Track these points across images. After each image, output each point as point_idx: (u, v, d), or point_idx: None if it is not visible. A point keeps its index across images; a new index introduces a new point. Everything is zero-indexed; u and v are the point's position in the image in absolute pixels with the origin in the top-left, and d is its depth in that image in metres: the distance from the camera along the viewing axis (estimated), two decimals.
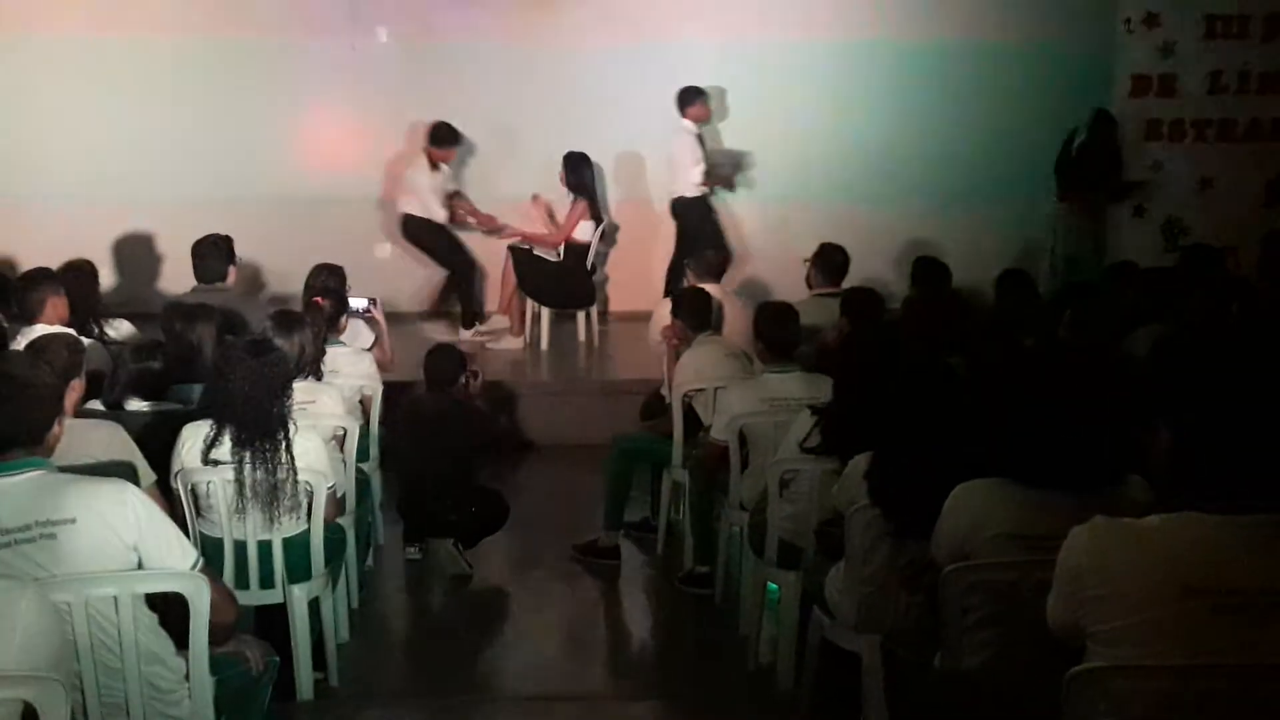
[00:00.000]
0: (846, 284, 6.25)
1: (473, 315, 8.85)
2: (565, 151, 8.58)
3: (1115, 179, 8.99)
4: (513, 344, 8.59)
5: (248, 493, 3.91)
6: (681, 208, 8.97)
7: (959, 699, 2.89)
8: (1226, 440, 2.18)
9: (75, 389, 3.83)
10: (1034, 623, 2.45)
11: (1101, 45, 9.44)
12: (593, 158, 8.68)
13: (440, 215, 8.74)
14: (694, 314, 5.80)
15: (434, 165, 8.71)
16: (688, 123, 8.90)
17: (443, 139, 8.71)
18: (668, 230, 9.08)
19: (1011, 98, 9.27)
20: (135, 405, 4.25)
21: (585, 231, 8.52)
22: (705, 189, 8.97)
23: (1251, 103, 9.55)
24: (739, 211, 9.40)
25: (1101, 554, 2.24)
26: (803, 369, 4.91)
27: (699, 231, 8.77)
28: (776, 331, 5.00)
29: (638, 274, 9.36)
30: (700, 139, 8.95)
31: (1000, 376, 3.20)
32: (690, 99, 8.88)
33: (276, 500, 3.93)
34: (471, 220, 8.97)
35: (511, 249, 8.57)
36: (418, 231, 8.78)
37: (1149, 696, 2.19)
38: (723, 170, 9.23)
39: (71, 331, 4.97)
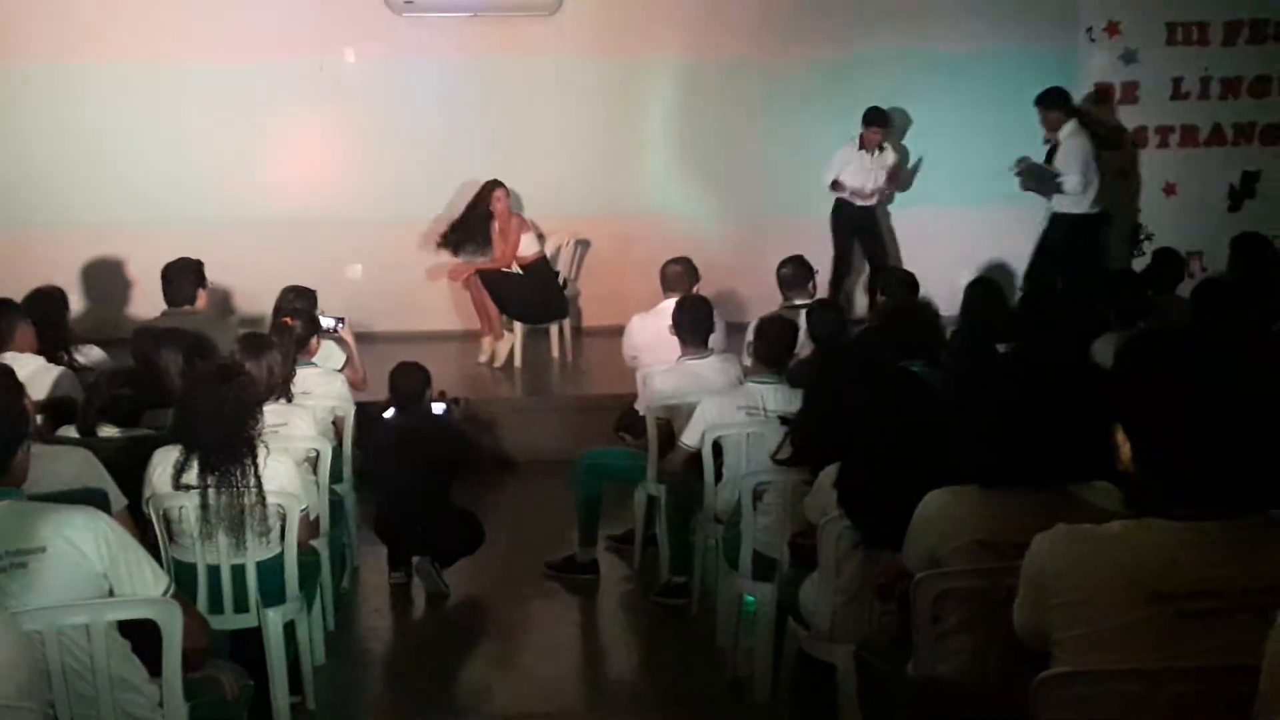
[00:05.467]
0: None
1: None
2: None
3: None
4: (503, 345, 8.54)
5: (212, 517, 3.89)
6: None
7: (932, 706, 2.90)
8: (1188, 446, 2.19)
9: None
10: (1004, 629, 2.45)
11: (1064, 54, 9.54)
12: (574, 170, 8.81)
13: None
14: (686, 326, 5.47)
15: None
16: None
17: None
18: (639, 244, 9.09)
19: (974, 107, 9.33)
20: (107, 431, 4.23)
21: (529, 245, 8.56)
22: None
23: (1212, 108, 9.66)
24: (710, 227, 9.36)
25: (1064, 561, 2.25)
26: (786, 382, 4.93)
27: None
28: (763, 342, 5.05)
29: (610, 289, 9.35)
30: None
31: (971, 383, 3.22)
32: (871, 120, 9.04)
33: (243, 525, 3.91)
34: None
35: (479, 273, 8.50)
36: None
37: (1117, 701, 2.20)
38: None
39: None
